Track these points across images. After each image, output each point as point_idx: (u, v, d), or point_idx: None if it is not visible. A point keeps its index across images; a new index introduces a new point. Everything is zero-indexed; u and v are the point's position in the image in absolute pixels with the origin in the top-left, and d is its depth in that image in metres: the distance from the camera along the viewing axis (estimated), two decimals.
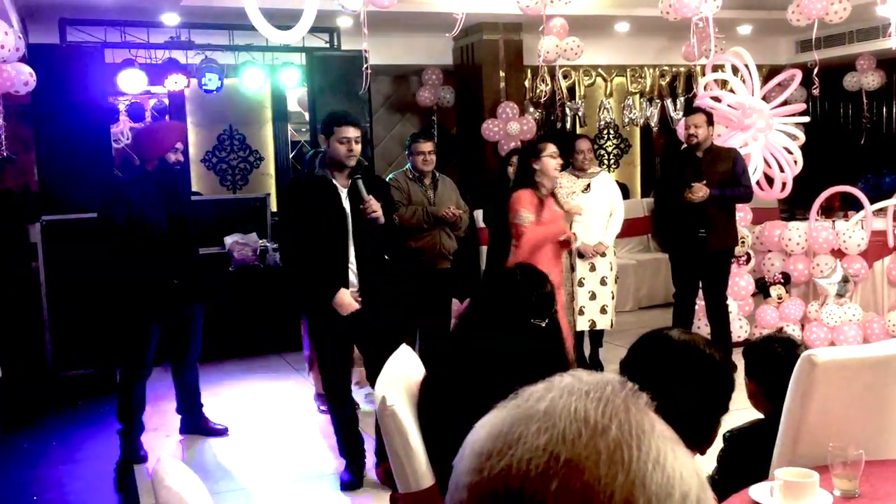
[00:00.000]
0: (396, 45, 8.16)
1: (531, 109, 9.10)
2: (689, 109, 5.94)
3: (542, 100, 9.13)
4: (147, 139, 4.73)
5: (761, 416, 2.57)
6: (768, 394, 2.45)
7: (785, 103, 6.58)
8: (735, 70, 6.42)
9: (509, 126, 8.00)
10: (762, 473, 2.23)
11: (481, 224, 6.59)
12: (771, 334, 2.70)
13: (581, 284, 5.76)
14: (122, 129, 8.33)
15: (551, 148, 4.91)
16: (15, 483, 4.38)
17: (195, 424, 4.97)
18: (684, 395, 1.69)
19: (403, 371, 2.40)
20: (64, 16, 6.72)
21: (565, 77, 9.26)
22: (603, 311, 5.75)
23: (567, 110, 9.42)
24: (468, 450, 0.62)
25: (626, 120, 9.82)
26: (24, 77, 5.52)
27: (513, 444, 0.59)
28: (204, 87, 7.42)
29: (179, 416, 5.00)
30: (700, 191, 5.40)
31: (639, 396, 0.65)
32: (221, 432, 4.96)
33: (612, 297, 5.85)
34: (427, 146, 5.27)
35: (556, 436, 0.59)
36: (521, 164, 5.09)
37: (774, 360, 2.44)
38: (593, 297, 5.77)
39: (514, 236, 4.78)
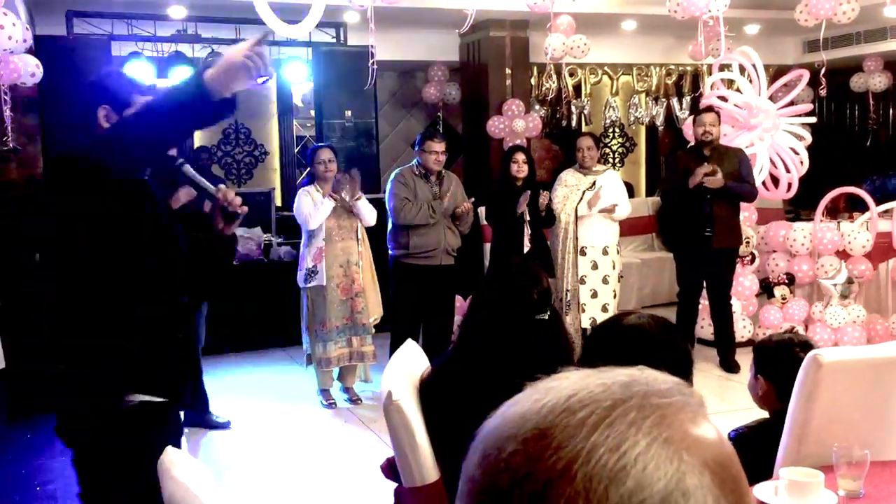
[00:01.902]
0: (403, 41, 8.15)
1: (537, 107, 9.10)
2: (701, 108, 5.93)
3: (548, 97, 9.13)
4: None
5: (766, 415, 2.57)
6: (781, 394, 2.45)
7: (791, 104, 6.57)
8: (742, 70, 6.41)
9: (515, 123, 7.99)
10: (767, 473, 2.23)
11: (485, 221, 6.59)
12: (790, 336, 2.69)
13: (583, 282, 5.76)
14: None
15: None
16: (18, 473, 4.39)
17: (198, 418, 4.97)
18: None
19: (409, 366, 2.41)
20: (71, 8, 6.73)
21: (571, 75, 9.25)
22: (604, 309, 5.75)
23: (573, 108, 9.41)
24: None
25: (632, 118, 9.81)
26: (30, 69, 5.52)
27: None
28: None
29: (182, 410, 4.99)
30: (717, 172, 5.41)
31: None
32: (224, 426, 4.97)
33: (615, 296, 5.85)
34: (440, 146, 5.26)
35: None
36: None
37: (794, 362, 2.43)
38: (595, 294, 5.77)
39: None
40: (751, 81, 6.34)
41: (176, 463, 1.48)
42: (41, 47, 6.07)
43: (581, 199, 5.75)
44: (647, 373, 0.60)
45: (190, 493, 1.41)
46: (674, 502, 0.52)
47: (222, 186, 2.41)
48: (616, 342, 1.84)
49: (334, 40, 7.62)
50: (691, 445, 0.55)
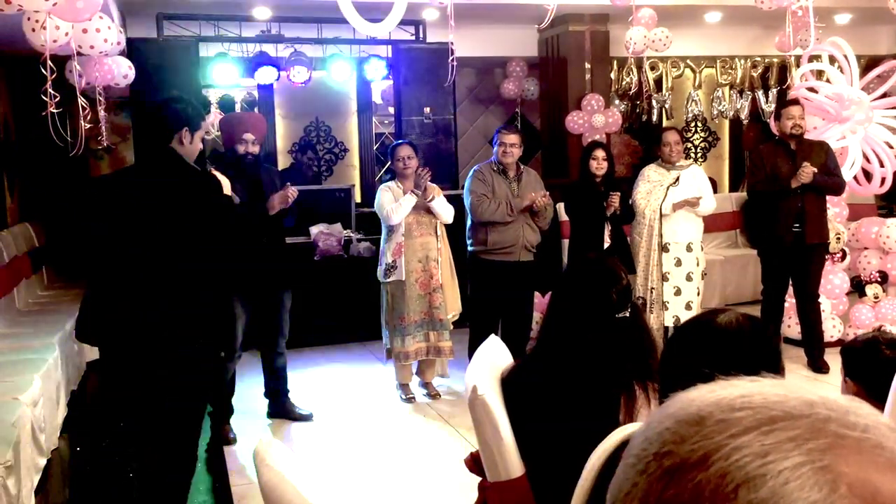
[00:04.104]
0: (481, 37, 8.16)
1: (616, 102, 8.98)
2: (788, 101, 5.77)
3: (629, 92, 9.01)
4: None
5: None
6: (872, 395, 2.37)
7: (885, 95, 6.32)
8: (832, 60, 6.21)
9: (594, 118, 7.91)
10: None
11: (564, 217, 6.54)
12: (876, 335, 2.60)
13: (666, 279, 5.66)
14: (213, 121, 8.56)
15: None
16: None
17: (282, 409, 5.08)
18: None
19: (493, 361, 2.41)
20: (161, 10, 6.95)
21: (652, 69, 9.11)
22: (688, 307, 5.65)
23: (654, 102, 9.26)
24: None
25: (715, 112, 9.59)
26: (123, 70, 5.73)
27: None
28: (292, 80, 7.57)
29: (266, 401, 5.12)
30: (808, 169, 5.28)
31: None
32: (307, 417, 5.06)
33: (698, 294, 5.74)
34: (512, 138, 5.25)
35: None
36: None
37: (881, 361, 2.35)
38: (678, 292, 5.67)
39: None
40: (842, 72, 6.13)
41: (270, 452, 1.52)
42: (133, 49, 6.28)
43: (665, 197, 5.66)
44: (844, 401, 0.56)
45: (285, 480, 1.44)
46: None
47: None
48: (706, 341, 1.80)
49: (413, 38, 7.67)
50: (856, 483, 0.50)
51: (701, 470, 0.52)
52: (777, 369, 1.79)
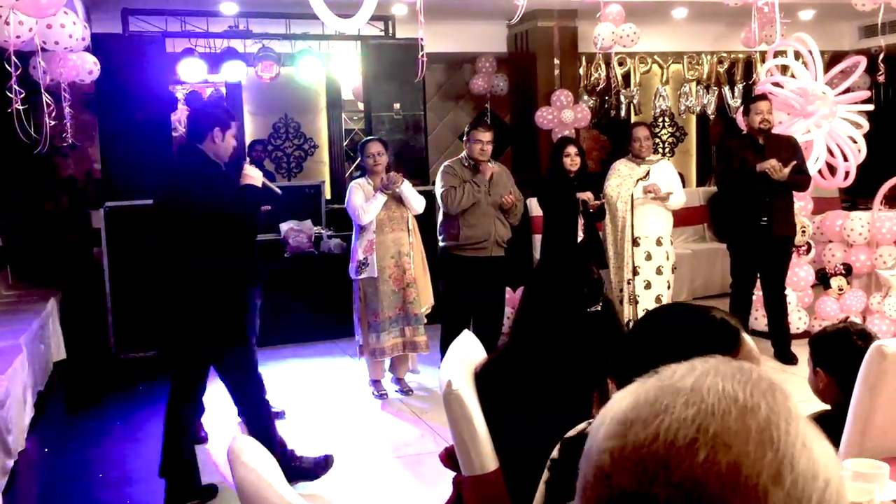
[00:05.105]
0: (451, 33, 8.15)
1: (585, 97, 9.04)
2: (756, 96, 5.84)
3: (597, 87, 9.06)
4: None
5: (825, 407, 2.53)
6: (843, 386, 2.41)
7: (848, 90, 6.42)
8: (797, 56, 6.29)
9: (564, 114, 7.95)
10: None
11: (534, 212, 6.57)
12: (845, 325, 2.64)
13: (636, 273, 5.71)
14: (180, 118, 8.48)
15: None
16: (82, 461, 4.51)
17: None
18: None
19: (467, 356, 2.42)
20: (126, 6, 6.86)
21: (621, 64, 9.17)
22: (658, 300, 5.70)
23: (622, 98, 9.33)
24: (609, 417, 0.63)
25: (682, 108, 9.69)
26: (88, 66, 5.65)
27: (660, 413, 0.60)
28: (260, 76, 7.52)
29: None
30: (785, 171, 5.35)
31: (781, 385, 0.65)
32: (279, 415, 5.03)
33: (669, 287, 5.80)
34: (486, 136, 5.26)
35: (704, 409, 0.59)
36: None
37: (853, 351, 2.39)
38: (648, 286, 5.72)
39: None
40: (806, 68, 6.21)
41: (245, 449, 1.52)
42: (98, 45, 6.19)
43: (636, 185, 5.70)
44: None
45: (261, 478, 1.44)
46: None
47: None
48: (665, 331, 1.80)
49: (383, 33, 7.65)
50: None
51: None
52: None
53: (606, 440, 0.62)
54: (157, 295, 4.03)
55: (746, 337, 1.58)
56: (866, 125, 6.44)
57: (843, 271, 6.23)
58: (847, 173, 6.31)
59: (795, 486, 0.57)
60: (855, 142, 6.32)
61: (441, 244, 5.38)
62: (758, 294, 5.95)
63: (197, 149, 3.84)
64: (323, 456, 4.14)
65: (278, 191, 4.33)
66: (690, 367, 0.65)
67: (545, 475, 1.64)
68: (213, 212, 3.68)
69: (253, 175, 3.94)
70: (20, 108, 4.06)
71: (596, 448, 0.62)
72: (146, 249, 4.32)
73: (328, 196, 8.18)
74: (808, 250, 6.38)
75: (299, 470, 4.05)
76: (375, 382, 5.42)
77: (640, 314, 5.66)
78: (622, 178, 5.78)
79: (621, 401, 0.64)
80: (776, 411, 0.60)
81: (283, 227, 7.04)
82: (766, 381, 0.63)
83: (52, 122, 4.98)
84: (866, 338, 2.49)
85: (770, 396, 0.61)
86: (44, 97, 4.85)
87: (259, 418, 3.97)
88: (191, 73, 7.35)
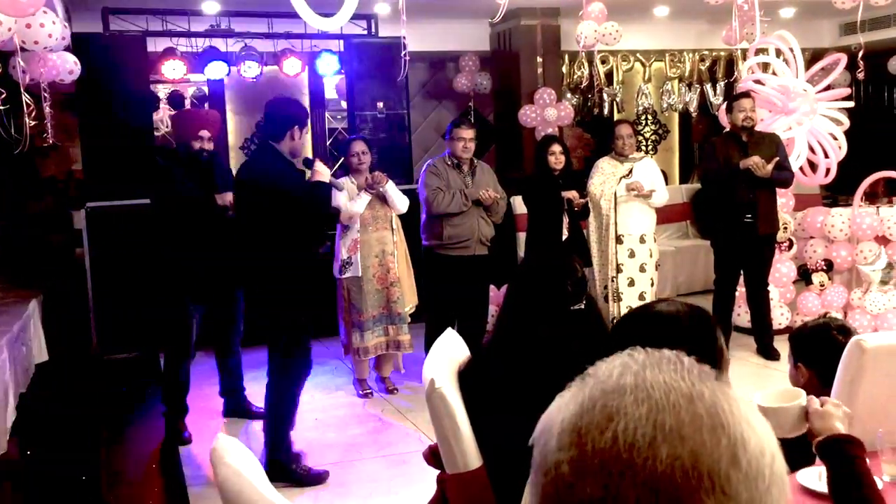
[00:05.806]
0: (433, 32, 8.15)
1: (568, 95, 9.05)
2: (739, 93, 5.87)
3: (580, 86, 9.08)
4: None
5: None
6: (823, 380, 2.43)
7: (829, 88, 6.48)
8: (778, 53, 6.33)
9: (547, 112, 7.96)
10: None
11: (518, 210, 6.58)
12: (825, 321, 2.66)
13: (620, 270, 5.74)
14: (163, 117, 8.42)
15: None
16: (64, 463, 4.47)
17: (237, 407, 5.04)
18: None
19: (450, 354, 2.42)
20: (107, 5, 6.81)
21: (603, 62, 9.19)
22: (641, 297, 5.73)
23: (605, 96, 9.35)
24: (558, 427, 0.63)
25: (665, 105, 9.73)
26: (68, 66, 5.60)
27: (613, 416, 0.60)
28: (243, 75, 7.49)
29: (222, 399, 5.07)
30: (768, 168, 5.38)
31: (704, 366, 0.66)
32: (263, 415, 5.02)
33: (653, 284, 5.83)
34: (468, 133, 5.26)
35: (655, 405, 0.60)
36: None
37: (833, 346, 2.41)
38: (632, 283, 5.75)
39: None
40: (788, 65, 6.26)
41: (228, 450, 1.52)
42: (78, 44, 6.15)
43: (619, 183, 5.73)
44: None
45: (243, 478, 1.44)
46: None
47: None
48: (646, 329, 1.81)
49: (365, 32, 7.63)
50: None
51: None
52: (714, 355, 1.80)
53: (561, 451, 0.61)
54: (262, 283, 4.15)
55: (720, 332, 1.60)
56: (847, 122, 6.49)
57: (825, 267, 6.28)
58: (828, 170, 6.36)
59: (750, 465, 0.58)
60: (836, 139, 6.37)
61: (424, 243, 5.38)
62: (741, 290, 5.98)
63: (273, 149, 3.96)
64: (324, 470, 4.12)
65: (341, 188, 4.51)
66: (623, 364, 0.65)
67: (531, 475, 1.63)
68: (302, 212, 3.91)
69: (322, 172, 4.08)
70: (0, 108, 4.02)
71: (551, 461, 0.62)
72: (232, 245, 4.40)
73: None
74: (790, 247, 6.42)
75: (297, 476, 4.02)
76: (359, 381, 5.42)
77: (623, 310, 5.69)
78: (605, 176, 5.80)
79: (563, 409, 0.64)
80: (718, 395, 0.61)
81: None
82: (694, 365, 0.64)
83: (33, 122, 4.94)
84: (846, 332, 2.52)
85: (707, 381, 0.62)
86: (24, 97, 4.82)
87: (279, 410, 4.16)
88: (173, 73, 7.31)
